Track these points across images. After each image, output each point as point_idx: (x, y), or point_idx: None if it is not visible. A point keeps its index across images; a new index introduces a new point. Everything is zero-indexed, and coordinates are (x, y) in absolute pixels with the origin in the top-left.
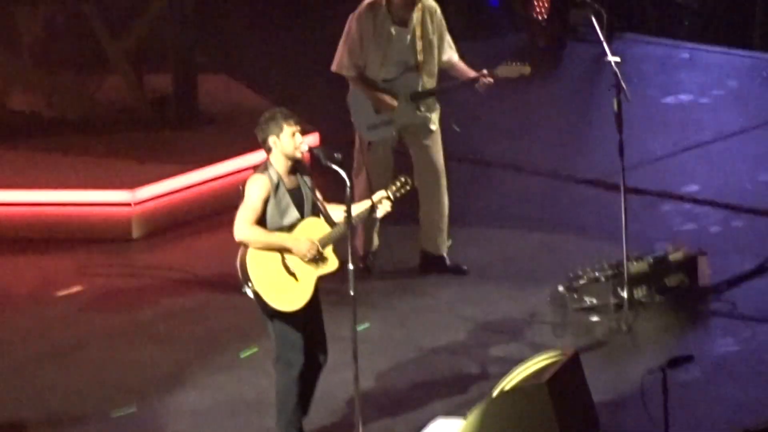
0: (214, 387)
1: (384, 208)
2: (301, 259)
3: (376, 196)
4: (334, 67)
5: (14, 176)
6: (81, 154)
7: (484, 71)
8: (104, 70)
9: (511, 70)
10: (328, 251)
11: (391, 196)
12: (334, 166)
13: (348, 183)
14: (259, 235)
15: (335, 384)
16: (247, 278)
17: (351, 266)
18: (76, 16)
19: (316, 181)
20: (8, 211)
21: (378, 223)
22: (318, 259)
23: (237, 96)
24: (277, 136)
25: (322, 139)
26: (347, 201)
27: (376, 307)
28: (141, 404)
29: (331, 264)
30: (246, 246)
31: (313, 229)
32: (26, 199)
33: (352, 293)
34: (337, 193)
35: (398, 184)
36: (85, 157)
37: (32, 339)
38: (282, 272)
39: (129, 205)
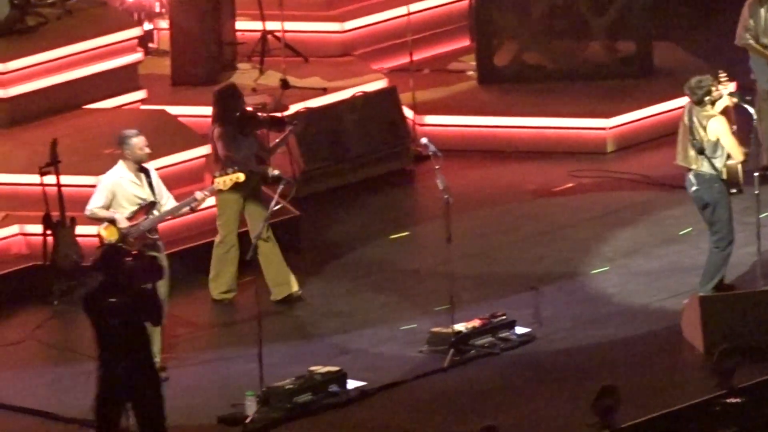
0: (663, 255)
1: None
2: None
3: None
4: (736, 41)
5: (523, 108)
6: (571, 94)
7: None
8: (588, 37)
9: None
10: None
11: None
12: (746, 105)
13: (754, 117)
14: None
15: None
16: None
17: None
18: (569, 0)
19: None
20: (515, 132)
21: None
22: None
23: (679, 57)
24: (713, 90)
25: (739, 86)
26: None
27: None
28: (613, 265)
29: None
30: None
31: None
32: (533, 124)
33: None
34: None
35: None
36: (574, 96)
37: (533, 221)
38: None
39: (604, 129)
